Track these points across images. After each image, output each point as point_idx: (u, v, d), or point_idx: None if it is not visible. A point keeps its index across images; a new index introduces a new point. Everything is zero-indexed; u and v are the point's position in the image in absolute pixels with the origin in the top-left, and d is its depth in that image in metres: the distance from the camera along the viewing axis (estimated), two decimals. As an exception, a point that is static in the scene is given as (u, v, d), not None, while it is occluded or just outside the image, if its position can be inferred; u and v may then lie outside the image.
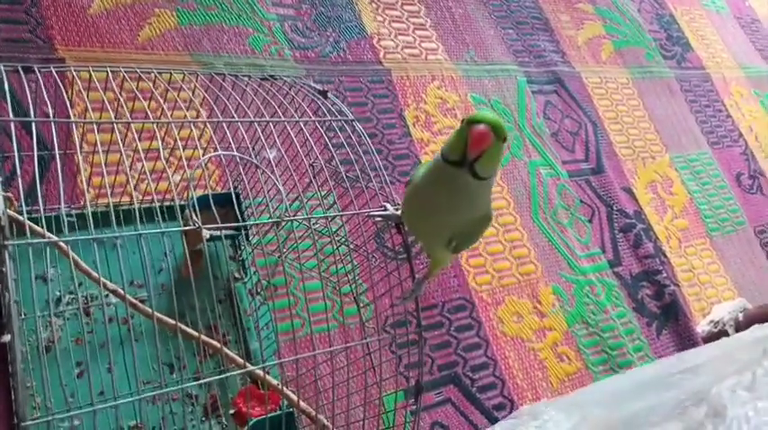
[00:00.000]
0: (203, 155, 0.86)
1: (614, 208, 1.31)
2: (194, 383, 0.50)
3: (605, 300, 1.17)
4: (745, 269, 1.41)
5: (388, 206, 0.60)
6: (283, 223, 0.52)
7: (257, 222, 0.58)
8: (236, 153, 0.52)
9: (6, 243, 0.41)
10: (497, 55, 1.37)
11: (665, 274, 1.25)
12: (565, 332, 1.10)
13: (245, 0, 1.11)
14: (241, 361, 0.56)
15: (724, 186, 1.53)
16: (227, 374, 0.53)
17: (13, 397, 0.43)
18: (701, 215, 1.43)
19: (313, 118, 0.59)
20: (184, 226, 0.79)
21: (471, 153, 0.49)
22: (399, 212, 0.60)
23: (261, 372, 0.69)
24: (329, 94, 0.63)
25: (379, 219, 0.60)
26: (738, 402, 0.44)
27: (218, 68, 1.00)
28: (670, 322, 1.21)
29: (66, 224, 0.56)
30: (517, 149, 1.26)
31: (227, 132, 0.60)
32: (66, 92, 0.57)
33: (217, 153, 0.48)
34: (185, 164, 0.57)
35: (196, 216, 0.51)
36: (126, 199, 0.82)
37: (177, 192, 0.82)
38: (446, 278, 1.04)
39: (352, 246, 0.67)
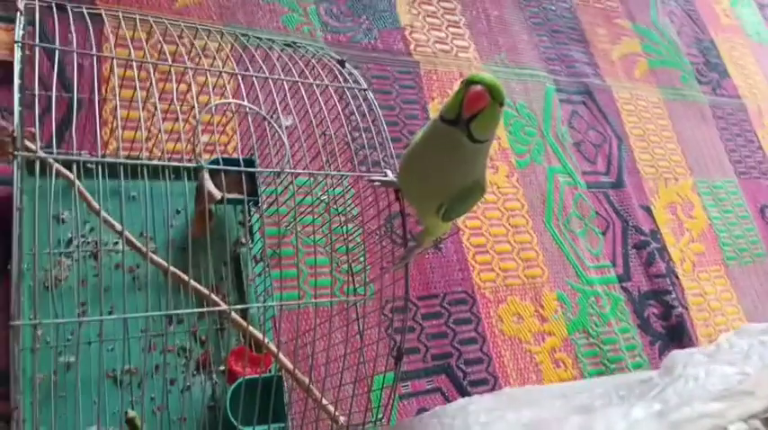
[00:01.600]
0: (221, 119, 0.88)
1: (630, 224, 1.30)
2: (172, 311, 0.51)
3: (610, 313, 1.16)
4: (759, 301, 1.39)
5: (389, 173, 0.61)
6: (284, 176, 0.53)
7: (258, 170, 0.60)
8: (246, 103, 0.54)
9: (16, 153, 0.43)
10: (528, 60, 1.37)
11: (674, 296, 1.24)
12: (564, 339, 1.09)
13: (285, -20, 1.14)
14: (221, 303, 0.57)
15: (747, 217, 1.50)
16: (203, 309, 0.54)
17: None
18: (719, 242, 1.41)
19: (327, 82, 0.61)
20: (197, 185, 0.82)
21: (466, 112, 0.49)
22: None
23: (256, 333, 0.71)
24: (346, 64, 0.65)
25: (378, 183, 0.61)
26: (692, 363, 0.44)
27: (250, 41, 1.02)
28: (674, 344, 1.19)
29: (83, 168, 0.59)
30: (537, 154, 1.26)
31: (246, 99, 0.62)
32: (97, 40, 0.60)
33: (228, 101, 0.50)
34: (199, 122, 0.59)
35: (198, 148, 0.52)
36: (146, 154, 0.84)
37: (192, 151, 0.84)
38: (451, 270, 1.04)
39: (351, 217, 0.68)
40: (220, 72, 0.58)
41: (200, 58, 0.60)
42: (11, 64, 0.86)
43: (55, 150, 0.53)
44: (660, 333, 1.19)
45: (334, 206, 0.75)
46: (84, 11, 0.54)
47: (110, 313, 0.72)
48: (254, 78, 0.60)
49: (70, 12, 0.52)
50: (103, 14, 0.54)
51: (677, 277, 1.29)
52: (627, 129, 1.43)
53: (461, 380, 0.96)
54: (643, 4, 1.69)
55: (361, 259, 0.82)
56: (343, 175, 0.59)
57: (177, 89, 0.59)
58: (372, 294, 0.67)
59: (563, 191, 1.25)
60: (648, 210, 1.35)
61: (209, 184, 0.77)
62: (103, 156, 0.78)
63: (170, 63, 0.55)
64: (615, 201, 1.31)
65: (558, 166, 1.27)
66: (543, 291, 1.11)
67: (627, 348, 1.14)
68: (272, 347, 0.68)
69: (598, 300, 1.16)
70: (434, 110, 1.18)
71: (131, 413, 0.69)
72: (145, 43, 0.56)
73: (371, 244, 0.81)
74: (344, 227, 0.70)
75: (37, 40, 0.50)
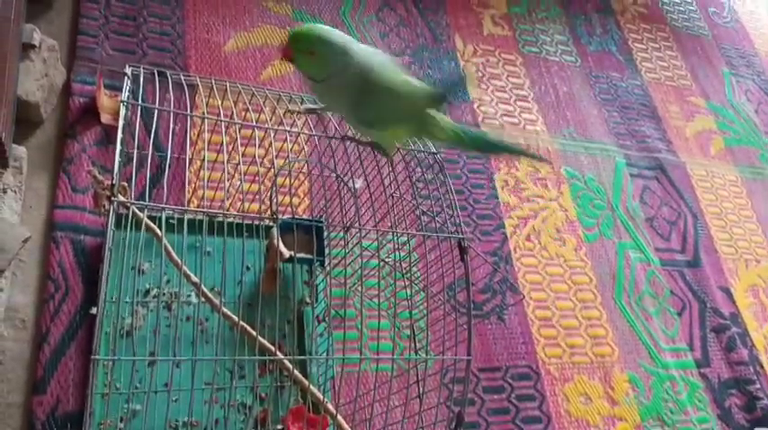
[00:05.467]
0: (294, 181, 0.92)
1: (708, 305, 1.23)
2: (239, 357, 0.52)
3: (687, 400, 1.09)
4: None
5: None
6: (351, 238, 0.54)
7: (327, 224, 0.62)
8: (322, 161, 0.57)
9: (113, 199, 0.47)
10: (598, 134, 1.37)
11: (758, 386, 1.15)
12: (637, 425, 1.02)
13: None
14: (272, 349, 0.58)
15: (840, 304, 1.39)
16: (269, 357, 0.55)
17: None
18: (810, 330, 1.31)
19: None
20: (267, 244, 0.85)
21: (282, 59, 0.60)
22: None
23: (316, 392, 0.71)
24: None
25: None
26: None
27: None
28: (760, 439, 1.09)
29: (164, 221, 0.62)
30: (606, 228, 1.23)
31: (321, 160, 0.65)
32: (190, 106, 0.65)
33: (305, 159, 0.53)
34: (276, 178, 0.62)
35: (275, 206, 0.54)
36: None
37: (266, 210, 0.88)
38: (514, 343, 1.01)
39: (417, 283, 0.69)
40: (299, 133, 0.62)
41: (281, 122, 0.65)
42: (110, 127, 0.94)
43: (145, 203, 0.57)
44: (743, 426, 1.10)
45: (399, 271, 0.75)
46: (182, 77, 0.59)
47: (178, 364, 0.75)
48: (329, 140, 0.63)
49: (169, 78, 0.57)
50: (198, 81, 0.59)
51: (762, 366, 1.20)
52: (702, 206, 1.39)
53: (524, 460, 0.91)
54: (717, 83, 1.67)
55: (422, 325, 0.82)
56: (409, 235, 0.60)
57: (257, 152, 0.63)
58: (433, 358, 0.66)
59: (634, 267, 1.20)
60: (728, 292, 1.28)
61: (280, 243, 0.80)
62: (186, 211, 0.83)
63: (254, 124, 0.59)
64: (692, 280, 1.25)
65: (628, 242, 1.24)
66: (613, 371, 1.06)
67: (706, 440, 1.05)
68: (331, 408, 0.68)
69: (674, 385, 1.09)
70: (500, 180, 1.18)
71: (189, 466, 0.69)
72: (233, 105, 0.61)
73: (434, 308, 0.81)
74: (407, 291, 0.70)
75: (140, 101, 0.55)
